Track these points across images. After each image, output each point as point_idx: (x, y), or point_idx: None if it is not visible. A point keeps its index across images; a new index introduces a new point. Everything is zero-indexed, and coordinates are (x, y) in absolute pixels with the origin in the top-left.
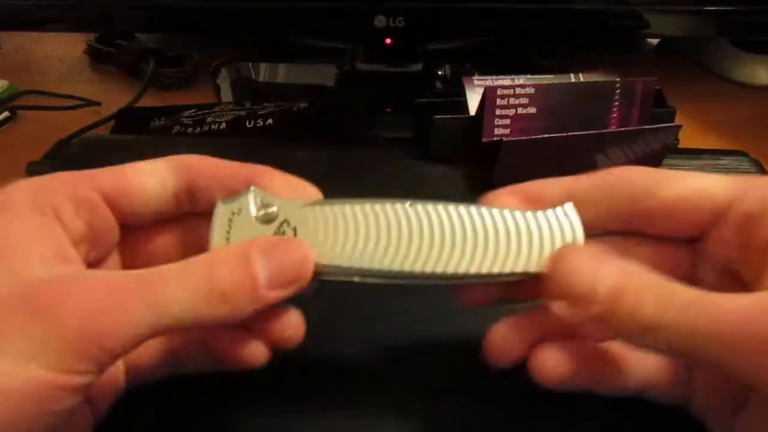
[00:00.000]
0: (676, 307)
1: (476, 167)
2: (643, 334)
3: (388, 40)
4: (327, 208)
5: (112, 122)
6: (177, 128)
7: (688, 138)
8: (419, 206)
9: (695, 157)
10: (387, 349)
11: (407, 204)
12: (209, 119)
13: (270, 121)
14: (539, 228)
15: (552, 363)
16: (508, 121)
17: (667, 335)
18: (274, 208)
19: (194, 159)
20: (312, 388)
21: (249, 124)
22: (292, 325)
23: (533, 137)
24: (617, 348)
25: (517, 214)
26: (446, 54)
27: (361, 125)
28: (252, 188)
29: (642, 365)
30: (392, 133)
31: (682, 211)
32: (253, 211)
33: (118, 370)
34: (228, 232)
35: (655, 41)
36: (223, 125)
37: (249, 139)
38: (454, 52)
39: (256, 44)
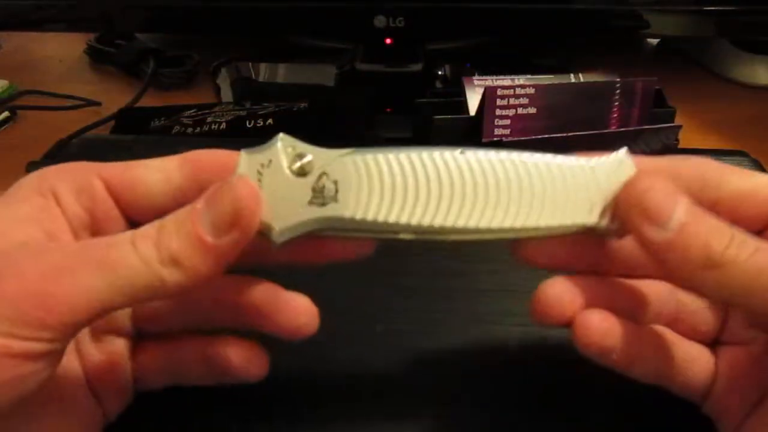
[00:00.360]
0: (746, 248)
1: None
2: (705, 271)
3: (388, 40)
4: (370, 158)
5: (112, 122)
6: (177, 128)
7: (688, 138)
8: (470, 153)
9: None
10: (386, 350)
11: (458, 151)
12: (209, 119)
13: (270, 121)
14: (595, 178)
15: (598, 328)
16: (508, 122)
17: (730, 275)
18: (308, 158)
19: (203, 153)
20: (311, 389)
21: (249, 124)
22: (303, 310)
23: (533, 137)
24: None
25: (574, 162)
26: (446, 54)
27: (361, 125)
28: (281, 135)
29: (681, 351)
30: (392, 133)
31: (748, 204)
32: (284, 162)
33: (126, 374)
34: (258, 189)
35: (655, 41)
36: (223, 125)
37: (249, 139)
38: (454, 52)
39: (256, 44)
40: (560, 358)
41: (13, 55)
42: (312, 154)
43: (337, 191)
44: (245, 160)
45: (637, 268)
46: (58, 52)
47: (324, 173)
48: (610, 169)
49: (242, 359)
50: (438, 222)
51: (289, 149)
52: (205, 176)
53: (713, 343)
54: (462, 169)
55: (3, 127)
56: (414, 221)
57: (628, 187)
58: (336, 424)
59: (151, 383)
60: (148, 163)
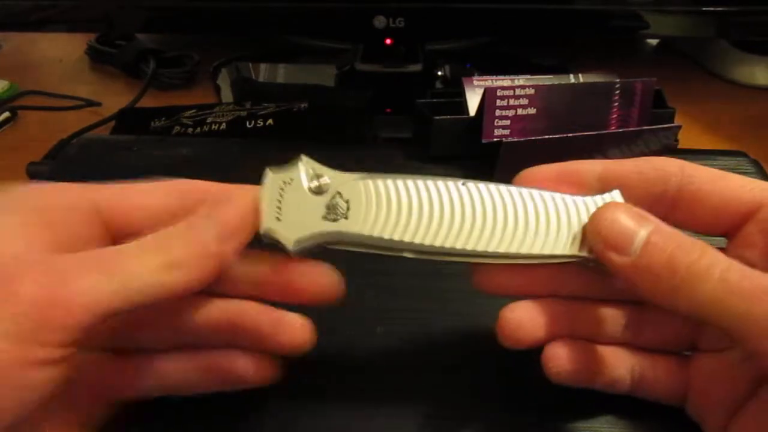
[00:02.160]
0: (718, 265)
1: (476, 168)
2: (675, 289)
3: (388, 41)
4: (380, 182)
5: (113, 122)
6: (177, 128)
7: (687, 138)
8: (471, 185)
9: (695, 157)
10: (387, 352)
11: (460, 182)
12: (209, 119)
13: (270, 121)
14: (587, 214)
15: (566, 360)
16: (508, 122)
17: (700, 292)
18: (325, 179)
19: (203, 184)
20: (311, 389)
21: (249, 124)
22: (301, 328)
23: (533, 138)
24: (616, 349)
25: (567, 199)
26: (446, 54)
27: (361, 125)
28: (303, 157)
29: (638, 363)
30: (392, 133)
31: (712, 207)
32: (304, 181)
33: (102, 387)
34: (279, 201)
35: (655, 41)
36: (223, 125)
37: (249, 139)
38: (454, 52)
39: (256, 44)
40: None
41: (14, 55)
42: (329, 175)
43: (348, 209)
44: (270, 177)
45: (597, 291)
46: (59, 53)
47: (338, 193)
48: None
49: (251, 367)
50: (438, 243)
51: (310, 170)
52: (197, 203)
53: (688, 349)
54: (462, 197)
55: (3, 128)
56: (416, 240)
57: (593, 218)
58: (336, 424)
59: (138, 394)
60: (143, 186)
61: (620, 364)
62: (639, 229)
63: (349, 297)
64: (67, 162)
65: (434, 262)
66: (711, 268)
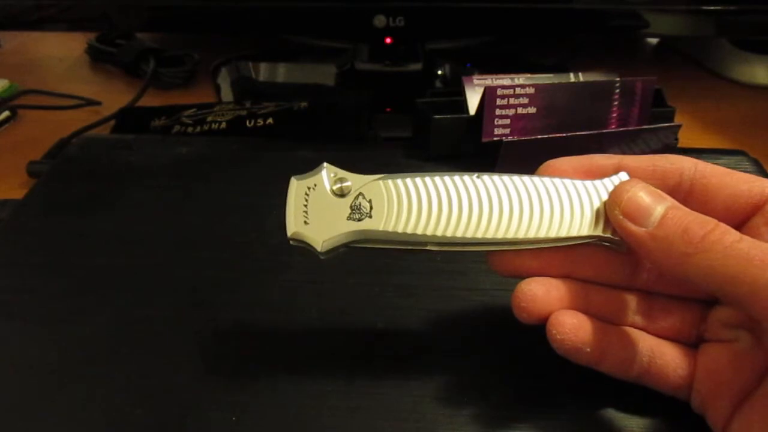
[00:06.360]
0: (730, 236)
1: (476, 167)
2: (690, 257)
3: (388, 40)
4: (399, 181)
5: (113, 122)
6: (177, 128)
7: (687, 138)
8: (486, 177)
9: (695, 156)
10: (387, 347)
11: (474, 176)
12: (209, 119)
13: (270, 121)
14: (599, 195)
15: (570, 325)
16: (508, 121)
17: (715, 260)
18: (348, 183)
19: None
20: (313, 385)
21: (249, 123)
22: None
23: (533, 137)
24: (626, 328)
25: (577, 183)
26: (446, 54)
27: (361, 125)
28: (325, 164)
29: (647, 346)
30: (392, 133)
31: (722, 200)
32: (327, 185)
33: None
34: (305, 206)
35: (655, 41)
36: (223, 125)
37: (249, 138)
38: (454, 52)
39: (256, 44)
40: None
41: (14, 54)
42: (350, 178)
43: (371, 208)
44: (294, 185)
45: (609, 277)
46: (59, 52)
47: (360, 193)
48: (611, 189)
49: None
50: (459, 234)
51: (332, 175)
52: None
53: (696, 342)
54: (478, 189)
55: (3, 127)
56: (438, 233)
57: (613, 193)
58: (337, 419)
59: None
60: None
61: (629, 345)
62: (657, 205)
63: (352, 293)
64: (67, 161)
65: (455, 253)
66: (724, 236)
